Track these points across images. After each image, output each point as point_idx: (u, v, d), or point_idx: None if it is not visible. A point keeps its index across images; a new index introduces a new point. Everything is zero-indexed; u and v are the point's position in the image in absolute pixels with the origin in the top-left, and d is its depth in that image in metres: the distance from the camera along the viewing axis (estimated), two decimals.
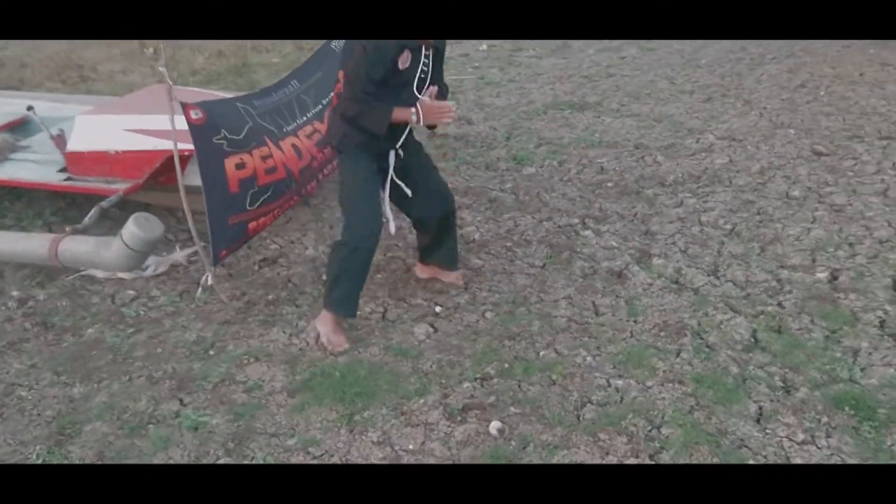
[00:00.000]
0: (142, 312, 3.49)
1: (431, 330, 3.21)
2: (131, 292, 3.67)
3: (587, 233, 3.95)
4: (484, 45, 8.34)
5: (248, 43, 8.29)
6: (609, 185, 4.58)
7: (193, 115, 3.22)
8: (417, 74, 2.92)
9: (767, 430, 2.54)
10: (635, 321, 3.18)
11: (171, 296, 3.60)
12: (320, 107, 4.03)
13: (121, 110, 4.57)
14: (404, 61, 2.83)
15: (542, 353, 3.00)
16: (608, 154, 5.08)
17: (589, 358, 2.95)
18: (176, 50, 7.74)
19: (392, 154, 3.08)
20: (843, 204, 4.07)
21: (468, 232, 4.01)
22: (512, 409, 2.69)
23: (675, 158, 4.94)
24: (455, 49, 8.43)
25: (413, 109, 2.85)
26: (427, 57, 2.91)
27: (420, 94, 2.94)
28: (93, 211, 3.92)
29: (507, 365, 2.93)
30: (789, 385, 2.75)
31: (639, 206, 4.24)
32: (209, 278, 3.47)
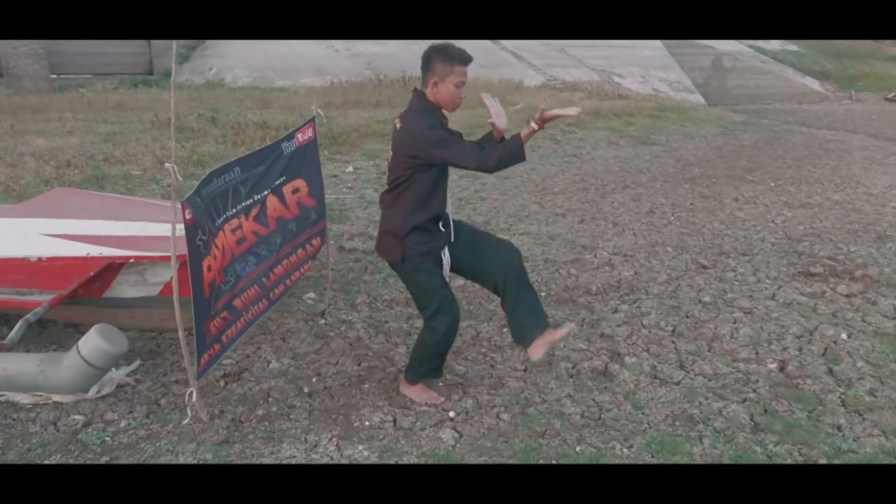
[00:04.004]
0: (107, 439, 3.02)
1: (457, 434, 3.13)
2: (78, 417, 3.19)
3: None
4: (350, 167, 8.53)
5: (99, 154, 7.74)
6: (542, 294, 4.83)
7: (188, 214, 2.97)
8: None
9: None
10: (644, 413, 3.35)
11: (135, 418, 3.17)
12: (250, 202, 3.61)
13: (32, 213, 4.05)
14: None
15: (578, 449, 3.04)
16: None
17: (625, 450, 3.05)
18: (17, 157, 6.99)
19: (445, 251, 3.16)
20: (749, 307, 4.68)
21: None
22: None
23: (585, 271, 5.36)
24: (324, 170, 8.52)
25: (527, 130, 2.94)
26: None
27: None
28: (18, 325, 3.41)
29: (553, 461, 2.94)
30: (807, 458, 3.04)
31: (583, 313, 4.52)
32: (194, 394, 3.11)
